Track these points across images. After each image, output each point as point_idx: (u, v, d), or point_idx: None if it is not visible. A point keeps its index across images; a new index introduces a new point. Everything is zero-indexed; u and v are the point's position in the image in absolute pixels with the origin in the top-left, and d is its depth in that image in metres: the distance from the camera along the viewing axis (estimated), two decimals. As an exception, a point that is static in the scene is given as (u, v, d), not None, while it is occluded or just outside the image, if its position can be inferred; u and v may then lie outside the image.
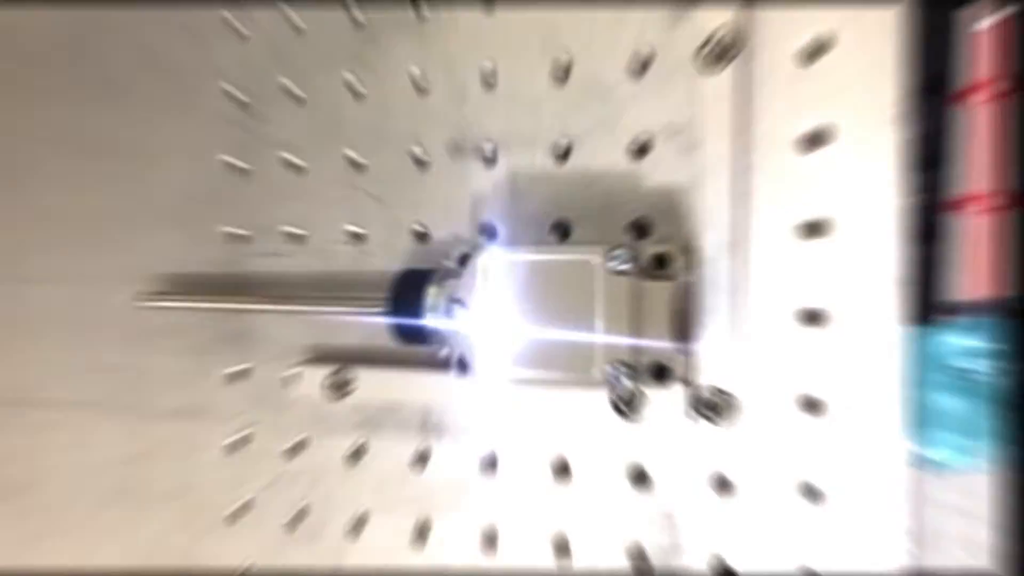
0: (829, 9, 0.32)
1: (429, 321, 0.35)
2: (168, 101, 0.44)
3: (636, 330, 0.32)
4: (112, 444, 0.46)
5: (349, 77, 0.40)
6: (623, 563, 0.36)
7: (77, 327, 0.47)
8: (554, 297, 0.32)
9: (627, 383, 0.32)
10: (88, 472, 0.47)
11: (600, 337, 0.32)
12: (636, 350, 0.32)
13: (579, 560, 0.37)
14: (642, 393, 0.34)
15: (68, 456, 0.47)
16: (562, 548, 0.37)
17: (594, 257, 0.32)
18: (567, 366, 0.32)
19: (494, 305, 0.33)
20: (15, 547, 0.48)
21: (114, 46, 0.46)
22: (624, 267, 0.32)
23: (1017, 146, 0.33)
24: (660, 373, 0.33)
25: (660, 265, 0.33)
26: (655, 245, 0.33)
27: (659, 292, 0.32)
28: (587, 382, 0.32)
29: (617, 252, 0.32)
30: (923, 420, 0.33)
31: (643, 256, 0.33)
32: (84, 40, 0.46)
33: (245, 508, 0.43)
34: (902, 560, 0.32)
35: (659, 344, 0.32)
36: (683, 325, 0.33)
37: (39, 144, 0.48)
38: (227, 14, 0.42)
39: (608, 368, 0.32)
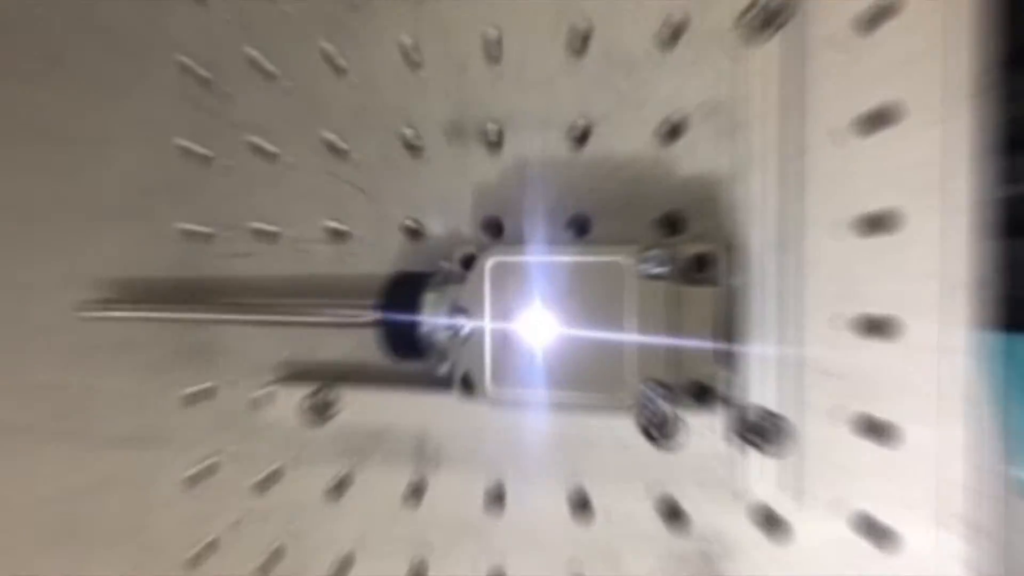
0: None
1: (426, 332, 0.30)
2: (118, 78, 0.39)
3: (673, 344, 0.27)
4: (53, 476, 0.40)
5: (328, 48, 0.35)
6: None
7: (10, 340, 0.41)
8: (576, 306, 0.28)
9: (662, 405, 0.27)
10: (25, 508, 0.41)
11: (631, 352, 0.27)
12: (673, 367, 0.27)
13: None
14: (678, 416, 0.29)
15: (2, 489, 0.41)
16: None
17: (624, 259, 0.27)
18: (592, 386, 0.28)
19: (504, 315, 0.28)
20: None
21: (58, 16, 0.40)
22: (659, 270, 0.27)
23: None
24: (700, 393, 0.28)
25: (700, 268, 0.28)
26: (694, 244, 0.29)
27: (700, 299, 0.27)
28: (615, 405, 0.27)
29: (651, 253, 0.27)
30: (1011, 436, 0.29)
31: (680, 257, 0.28)
32: (25, 11, 0.40)
33: (208, 550, 0.38)
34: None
35: (699, 360, 0.27)
36: (727, 337, 0.28)
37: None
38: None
39: (641, 388, 0.27)
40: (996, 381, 0.28)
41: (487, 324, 0.28)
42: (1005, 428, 0.29)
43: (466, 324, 0.29)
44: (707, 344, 0.28)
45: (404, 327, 0.30)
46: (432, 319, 0.30)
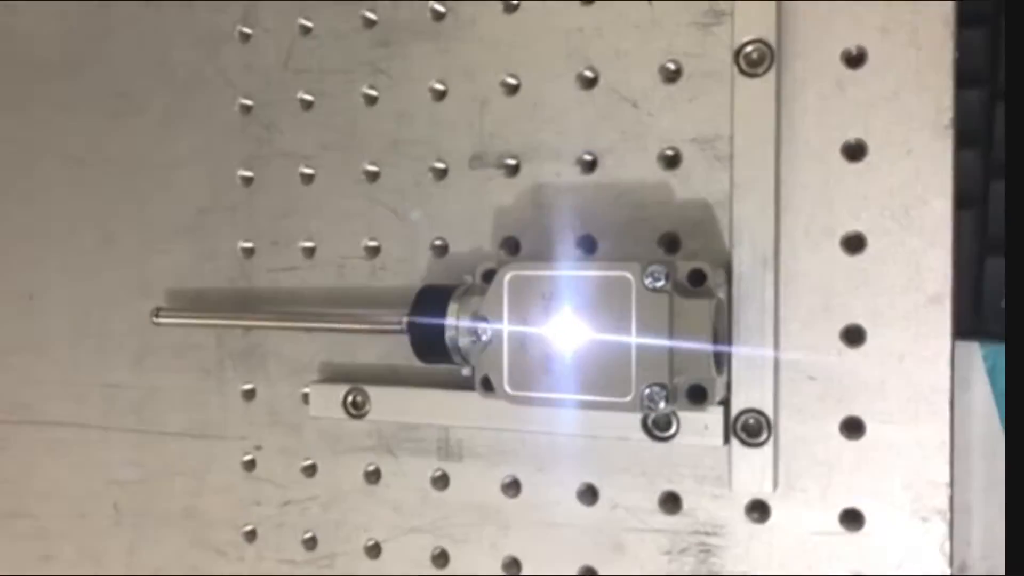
0: (873, 9, 0.31)
1: (450, 338, 0.34)
2: (180, 112, 0.43)
3: (674, 351, 0.30)
4: (120, 465, 0.44)
5: (364, 84, 0.39)
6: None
7: (84, 345, 0.45)
8: (586, 315, 0.31)
9: (664, 405, 0.30)
10: (91, 494, 0.45)
11: (635, 357, 0.30)
12: (673, 371, 0.30)
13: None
14: (677, 416, 0.33)
15: (72, 477, 0.46)
16: (589, 576, 0.36)
17: (629, 273, 0.30)
18: (600, 388, 0.31)
19: (520, 323, 0.32)
20: (17, 571, 0.47)
21: (124, 57, 0.44)
22: (660, 284, 0.30)
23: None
24: (697, 394, 0.31)
25: (695, 282, 0.32)
26: (690, 262, 0.32)
27: (695, 310, 0.31)
28: (621, 405, 0.31)
29: (653, 268, 0.30)
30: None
31: (678, 273, 0.32)
32: (93, 51, 0.45)
33: (254, 533, 0.41)
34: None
35: (696, 364, 0.31)
36: (719, 344, 0.32)
37: (48, 157, 0.46)
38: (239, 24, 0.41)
39: (644, 389, 0.30)
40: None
41: (505, 331, 0.32)
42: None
43: (486, 331, 0.32)
44: (703, 350, 0.31)
45: (431, 333, 0.34)
46: (456, 326, 0.33)
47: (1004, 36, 0.37)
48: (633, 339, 0.30)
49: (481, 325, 0.32)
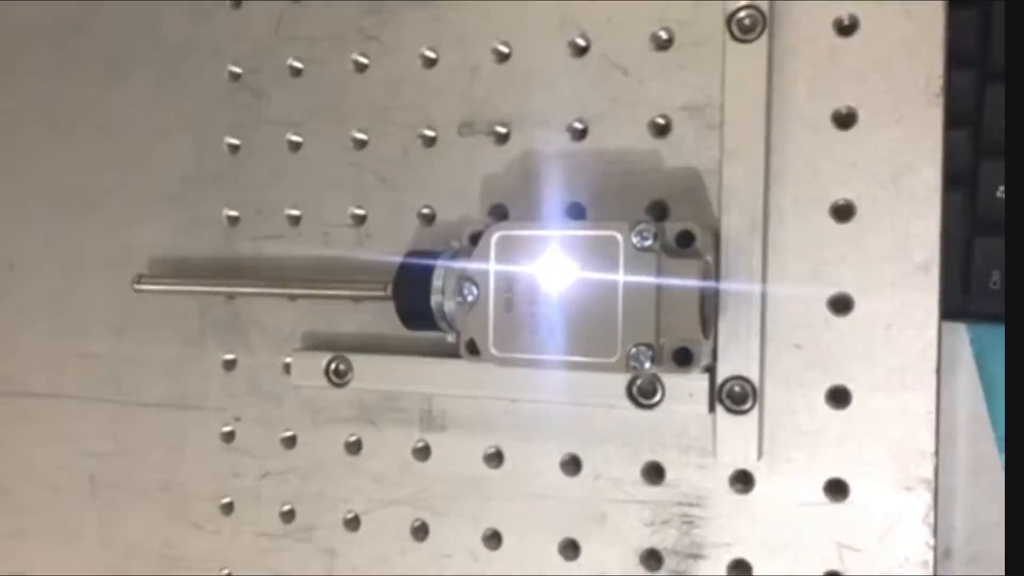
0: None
1: (436, 302, 0.33)
2: (167, 78, 0.43)
3: (661, 310, 0.30)
4: (96, 436, 0.44)
5: (354, 51, 0.39)
6: (636, 567, 0.34)
7: (64, 314, 0.45)
8: (574, 275, 0.31)
9: (649, 366, 0.30)
10: (65, 467, 0.44)
11: (623, 317, 0.30)
12: (659, 331, 0.30)
13: (587, 563, 0.35)
14: (661, 382, 0.32)
15: (46, 450, 0.45)
16: (569, 550, 0.35)
17: (618, 233, 0.30)
18: (586, 349, 0.31)
19: (507, 284, 0.32)
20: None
21: (113, 23, 0.44)
22: (648, 243, 0.30)
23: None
24: (684, 357, 0.31)
25: (685, 243, 0.32)
26: (678, 223, 0.32)
27: (685, 270, 0.30)
28: (608, 367, 0.30)
29: (641, 227, 0.30)
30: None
31: (667, 233, 0.31)
32: (82, 18, 0.45)
33: (231, 506, 0.41)
34: None
35: (684, 325, 0.30)
36: (707, 308, 0.31)
37: (30, 123, 0.46)
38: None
39: (631, 349, 0.30)
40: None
41: (491, 291, 0.32)
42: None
43: (472, 291, 0.32)
44: (690, 310, 0.30)
45: (417, 297, 0.34)
46: (442, 288, 0.33)
47: (1005, 24, 0.37)
48: (620, 298, 0.30)
49: (467, 286, 0.32)
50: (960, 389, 0.41)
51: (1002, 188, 0.38)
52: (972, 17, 0.38)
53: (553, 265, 0.31)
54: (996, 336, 0.39)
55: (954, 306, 0.39)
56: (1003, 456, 0.40)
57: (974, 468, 0.40)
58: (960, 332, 0.40)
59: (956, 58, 0.38)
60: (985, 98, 0.38)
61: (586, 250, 0.31)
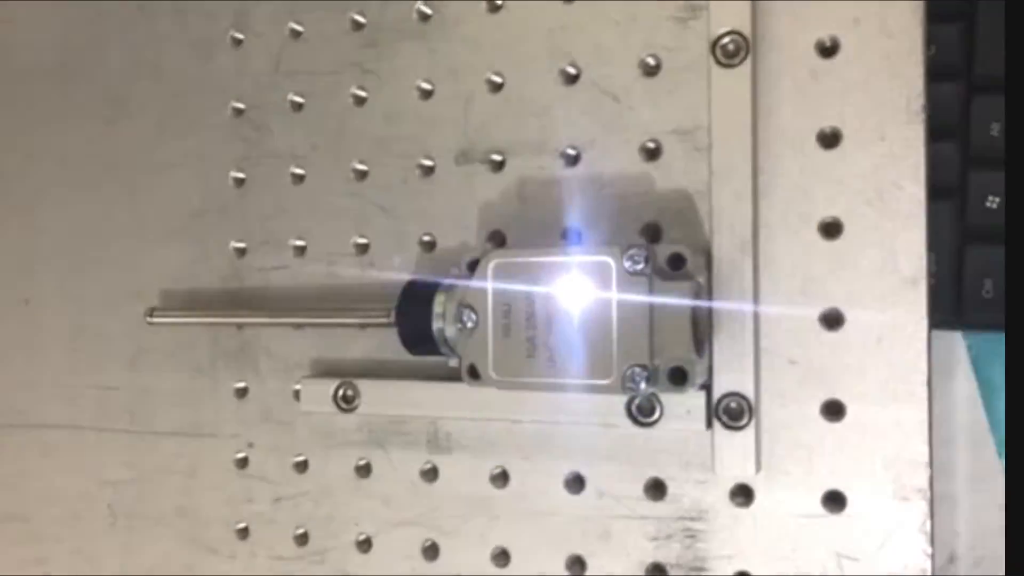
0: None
1: (437, 328, 0.34)
2: (172, 115, 0.44)
3: (654, 332, 0.31)
4: (112, 465, 0.45)
5: (352, 85, 0.40)
6: (641, 580, 0.35)
7: (79, 347, 0.46)
8: (569, 300, 0.32)
9: (644, 387, 0.31)
10: (85, 495, 0.45)
11: (617, 340, 0.31)
12: (653, 352, 0.31)
13: (595, 578, 0.36)
14: (659, 399, 0.33)
15: (66, 479, 0.46)
16: (576, 566, 0.36)
17: (610, 258, 0.31)
18: (583, 371, 0.32)
19: (505, 309, 0.32)
20: (12, 574, 0.47)
21: (118, 63, 0.45)
22: (640, 267, 0.31)
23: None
24: (679, 377, 0.32)
25: (676, 266, 0.32)
26: (669, 246, 0.33)
27: (676, 292, 0.31)
28: (605, 388, 0.31)
29: (633, 252, 0.31)
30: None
31: (659, 256, 0.32)
32: (88, 58, 0.46)
33: (246, 530, 0.42)
34: None
35: (678, 346, 0.31)
36: (700, 328, 0.32)
37: (40, 162, 0.47)
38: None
39: (626, 371, 0.31)
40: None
41: (489, 317, 0.32)
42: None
43: (472, 318, 0.33)
44: (682, 331, 0.31)
45: (419, 324, 0.35)
46: (443, 315, 0.34)
47: (1005, 24, 0.38)
48: (614, 321, 0.31)
49: (466, 312, 0.33)
50: (958, 396, 0.41)
51: (991, 198, 0.38)
52: (956, 31, 0.39)
53: (548, 290, 0.32)
54: (992, 343, 0.40)
55: (948, 315, 0.39)
56: (1003, 460, 0.40)
57: (974, 473, 0.41)
58: (955, 340, 0.41)
59: (942, 70, 0.39)
60: (971, 109, 0.39)
61: (580, 275, 0.31)
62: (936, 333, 0.37)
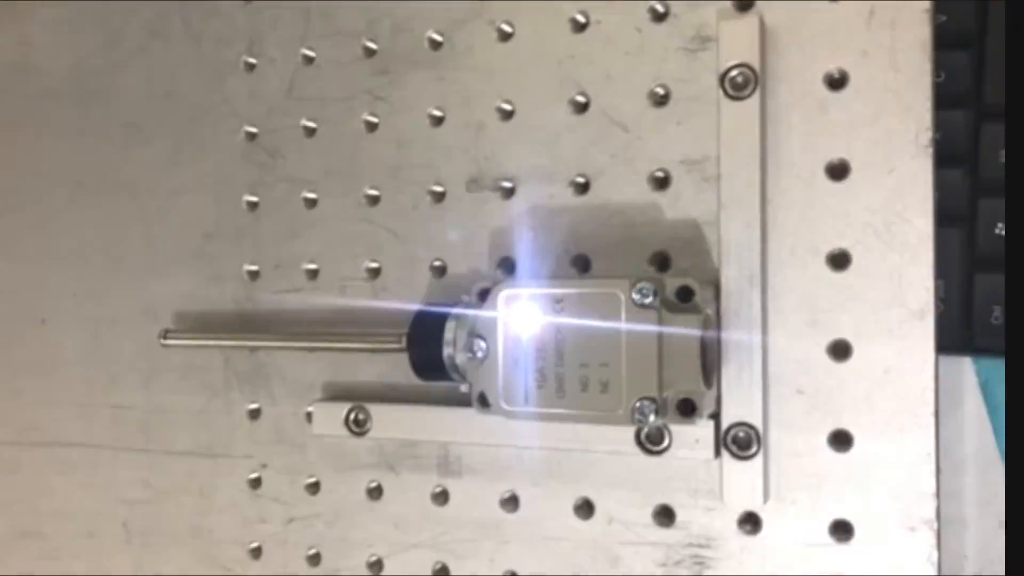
0: (854, 33, 0.32)
1: (448, 356, 0.35)
2: (186, 139, 0.44)
3: (663, 364, 0.31)
4: (127, 484, 0.45)
5: (365, 111, 0.40)
6: (649, 605, 0.35)
7: (94, 367, 0.47)
8: (578, 331, 0.32)
9: (653, 419, 0.31)
10: (100, 514, 0.46)
11: (626, 371, 0.31)
12: (662, 385, 0.31)
13: (604, 602, 0.36)
14: (668, 429, 0.33)
15: (81, 497, 0.47)
16: (586, 590, 0.36)
17: (619, 290, 0.31)
18: (592, 402, 0.32)
19: (515, 340, 0.33)
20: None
21: (133, 88, 0.46)
22: (649, 300, 0.31)
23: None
24: (687, 408, 0.32)
25: (684, 298, 0.33)
26: (677, 278, 0.33)
27: (684, 324, 0.32)
28: (614, 419, 0.32)
29: (641, 285, 0.31)
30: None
31: (666, 290, 0.32)
32: (103, 83, 0.47)
33: (259, 550, 0.42)
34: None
35: (686, 378, 0.31)
36: (708, 359, 0.32)
37: (56, 184, 0.48)
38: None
39: (635, 403, 0.31)
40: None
41: (500, 348, 0.33)
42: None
43: (482, 348, 0.33)
44: (691, 363, 0.32)
45: (429, 351, 0.35)
46: (453, 343, 0.34)
47: (1005, 51, 0.38)
48: (623, 353, 0.31)
49: (477, 342, 0.33)
50: (967, 421, 0.41)
51: (1000, 225, 0.38)
52: (965, 57, 0.39)
53: (558, 322, 0.32)
54: (1001, 369, 0.40)
55: (957, 341, 0.39)
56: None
57: (983, 498, 0.41)
58: (965, 365, 0.41)
59: (951, 97, 0.39)
60: (980, 136, 0.39)
61: (589, 307, 0.32)
62: (945, 358, 0.38)
